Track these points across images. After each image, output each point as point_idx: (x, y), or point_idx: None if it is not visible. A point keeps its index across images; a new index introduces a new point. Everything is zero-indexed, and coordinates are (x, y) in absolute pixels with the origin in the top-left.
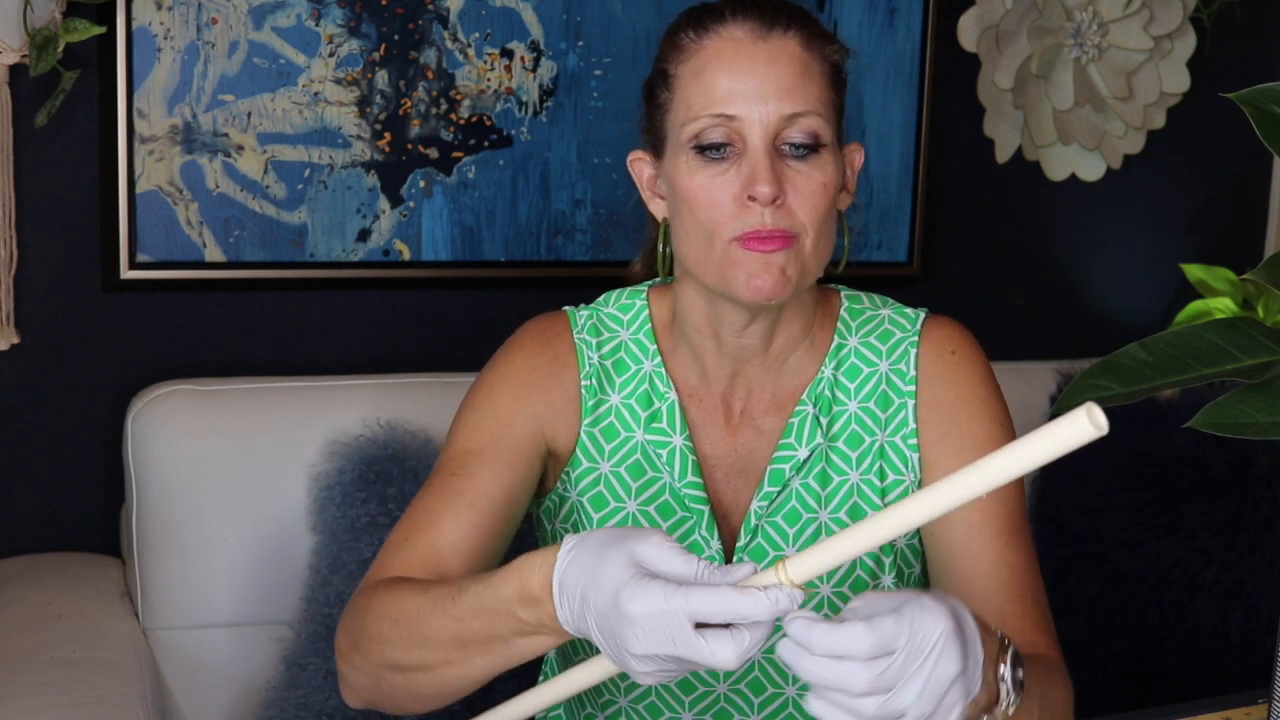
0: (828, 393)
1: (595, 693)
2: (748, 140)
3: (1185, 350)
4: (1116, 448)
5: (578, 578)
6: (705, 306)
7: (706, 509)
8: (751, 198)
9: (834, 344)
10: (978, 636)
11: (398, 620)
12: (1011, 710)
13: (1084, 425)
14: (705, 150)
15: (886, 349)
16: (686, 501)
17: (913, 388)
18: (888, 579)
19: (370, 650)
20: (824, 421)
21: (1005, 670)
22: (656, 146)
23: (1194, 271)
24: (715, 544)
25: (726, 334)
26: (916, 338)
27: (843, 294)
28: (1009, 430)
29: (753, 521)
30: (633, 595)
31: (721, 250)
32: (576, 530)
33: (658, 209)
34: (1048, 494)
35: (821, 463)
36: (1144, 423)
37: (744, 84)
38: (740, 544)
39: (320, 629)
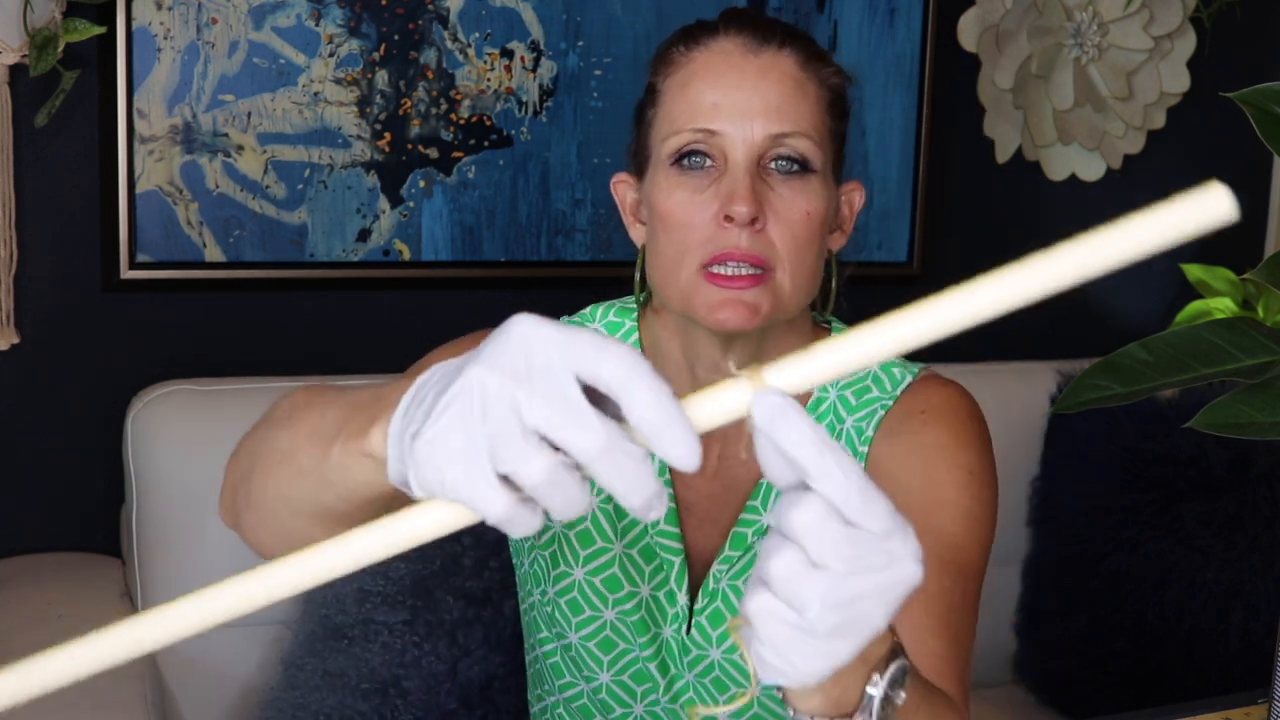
0: None
1: (556, 682)
2: (729, 158)
3: (1185, 350)
4: (1116, 448)
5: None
6: (679, 337)
7: (678, 560)
8: (729, 218)
9: (815, 396)
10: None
11: (288, 412)
12: None
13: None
14: (683, 160)
15: (857, 404)
16: (658, 550)
17: (865, 449)
18: None
19: (249, 438)
20: None
21: (881, 682)
22: (640, 167)
23: (1194, 271)
24: (683, 598)
25: (701, 370)
26: (891, 401)
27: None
28: (978, 480)
29: (711, 585)
30: (525, 318)
31: (688, 277)
32: (556, 562)
33: (638, 235)
34: (1048, 494)
35: None
36: (1144, 423)
37: (729, 98)
38: (698, 606)
39: (318, 630)
